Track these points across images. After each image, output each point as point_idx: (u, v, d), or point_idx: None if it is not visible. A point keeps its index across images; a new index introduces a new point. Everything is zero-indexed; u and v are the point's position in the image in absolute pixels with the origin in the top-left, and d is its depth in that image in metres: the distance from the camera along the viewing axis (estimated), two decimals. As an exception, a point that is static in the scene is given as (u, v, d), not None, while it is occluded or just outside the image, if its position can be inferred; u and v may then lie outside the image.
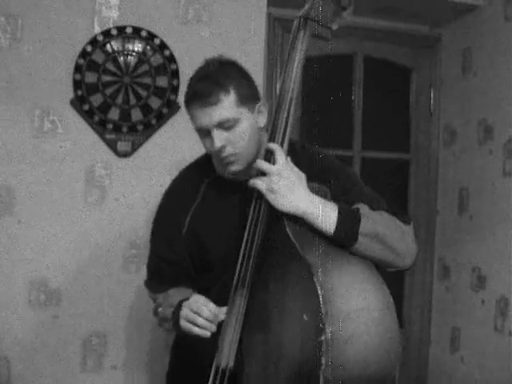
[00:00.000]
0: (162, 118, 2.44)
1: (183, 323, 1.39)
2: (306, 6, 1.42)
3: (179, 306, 1.45)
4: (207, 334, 1.36)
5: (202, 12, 2.48)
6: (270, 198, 1.32)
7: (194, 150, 1.70)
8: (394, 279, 3.14)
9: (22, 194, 2.32)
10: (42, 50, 2.32)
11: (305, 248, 1.29)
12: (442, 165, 3.04)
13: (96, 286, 2.40)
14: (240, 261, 1.37)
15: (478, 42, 2.78)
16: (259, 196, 1.36)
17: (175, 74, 2.44)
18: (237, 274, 1.37)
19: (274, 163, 1.34)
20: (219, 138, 1.42)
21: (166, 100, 2.44)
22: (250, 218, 1.38)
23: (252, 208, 1.38)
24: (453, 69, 2.95)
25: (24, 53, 2.30)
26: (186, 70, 2.44)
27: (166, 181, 1.70)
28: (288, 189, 1.32)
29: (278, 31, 2.76)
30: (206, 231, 1.56)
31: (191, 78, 1.49)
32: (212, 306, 1.37)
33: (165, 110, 2.44)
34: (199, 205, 1.58)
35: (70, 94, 2.36)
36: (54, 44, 2.33)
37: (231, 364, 1.34)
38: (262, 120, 1.51)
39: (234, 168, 1.48)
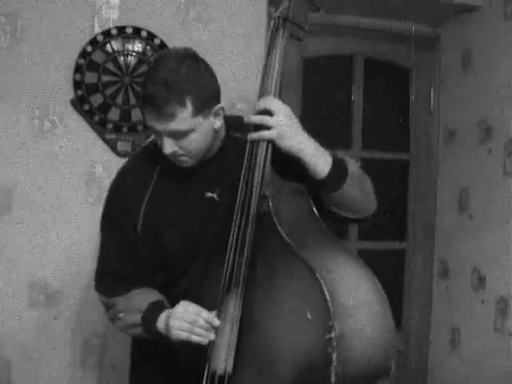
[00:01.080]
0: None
1: (178, 333, 1.33)
2: (282, 7, 1.42)
3: (151, 310, 1.41)
4: (205, 341, 1.32)
5: (202, 12, 2.48)
6: (280, 144, 1.33)
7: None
8: (394, 279, 3.14)
9: (22, 194, 2.32)
10: (42, 49, 2.32)
11: (299, 245, 1.28)
12: (441, 165, 3.04)
13: (96, 286, 2.40)
14: (229, 260, 1.34)
15: (477, 42, 2.78)
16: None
17: (175, 74, 2.44)
18: (226, 275, 1.34)
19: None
20: (170, 145, 1.40)
21: (166, 100, 2.44)
22: (238, 217, 1.35)
23: (240, 208, 1.35)
24: (453, 69, 2.95)
25: (24, 53, 2.30)
26: (186, 70, 2.45)
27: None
28: (295, 130, 1.34)
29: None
30: (162, 223, 1.50)
31: (148, 74, 1.41)
32: (205, 313, 1.32)
33: (165, 110, 2.44)
34: (152, 196, 1.51)
35: (70, 94, 2.36)
36: (54, 44, 2.33)
37: (229, 369, 1.30)
38: (219, 122, 1.45)
39: (185, 165, 1.46)
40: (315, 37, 2.64)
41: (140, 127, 2.43)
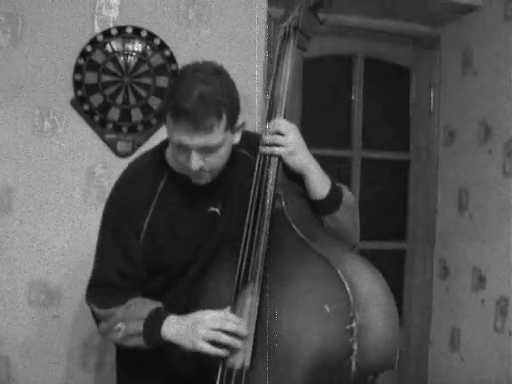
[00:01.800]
0: (161, 118, 2.44)
1: (203, 345, 1.32)
2: (292, 17, 1.48)
3: (153, 318, 1.39)
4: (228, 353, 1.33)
5: (202, 12, 2.48)
6: (289, 159, 1.41)
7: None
8: (394, 279, 3.13)
9: (22, 193, 2.32)
10: (42, 50, 2.32)
11: (313, 241, 1.33)
12: (441, 165, 3.04)
13: (96, 285, 2.40)
14: (244, 256, 1.37)
15: (478, 42, 2.78)
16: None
17: (175, 74, 2.44)
18: (241, 271, 1.36)
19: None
20: (198, 160, 1.38)
21: (166, 100, 2.44)
22: (251, 215, 1.39)
23: (254, 207, 1.40)
24: (453, 69, 2.95)
25: (24, 53, 2.30)
26: (186, 70, 2.45)
27: (166, 181, 1.69)
28: (303, 149, 1.42)
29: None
30: (165, 235, 1.49)
31: (179, 86, 1.36)
32: (234, 317, 1.33)
33: (165, 110, 2.44)
34: (157, 207, 1.50)
35: (70, 94, 2.36)
36: (54, 44, 2.33)
37: (247, 364, 1.32)
38: (238, 137, 1.46)
39: (203, 181, 1.46)
40: (315, 37, 2.64)
41: (140, 127, 2.43)
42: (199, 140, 1.34)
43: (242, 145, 1.51)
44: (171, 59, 2.44)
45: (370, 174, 2.97)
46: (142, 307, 1.43)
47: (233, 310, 1.35)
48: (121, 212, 1.51)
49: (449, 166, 2.98)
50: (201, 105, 1.32)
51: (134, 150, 2.43)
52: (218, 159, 1.41)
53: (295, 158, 1.41)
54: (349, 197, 1.49)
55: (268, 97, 1.46)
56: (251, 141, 1.52)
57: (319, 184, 1.43)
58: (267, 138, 1.42)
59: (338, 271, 1.25)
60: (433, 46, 3.05)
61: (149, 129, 2.44)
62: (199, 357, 1.36)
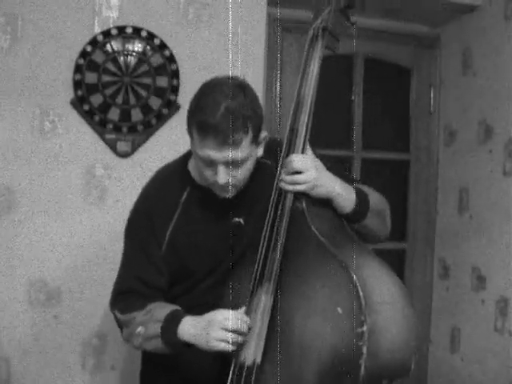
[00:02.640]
0: (162, 118, 2.44)
1: (215, 343, 1.34)
2: (321, 18, 1.48)
3: (170, 320, 1.40)
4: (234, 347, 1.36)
5: (202, 12, 2.48)
6: (312, 192, 1.40)
7: (193, 150, 1.70)
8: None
9: (22, 193, 2.32)
10: (42, 50, 2.32)
11: (332, 243, 1.34)
12: (441, 165, 3.04)
13: (96, 285, 2.40)
14: (261, 255, 1.39)
15: (478, 42, 2.78)
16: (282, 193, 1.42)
17: (175, 74, 2.44)
18: (258, 269, 1.38)
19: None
20: (226, 174, 1.40)
21: (166, 100, 2.44)
22: (272, 213, 1.41)
23: (273, 205, 1.41)
24: (453, 69, 2.95)
25: (24, 53, 2.30)
26: (186, 70, 2.45)
27: (166, 181, 1.69)
28: (323, 180, 1.41)
29: (278, 31, 2.76)
30: (187, 245, 1.52)
31: (205, 101, 1.37)
32: (246, 317, 1.36)
33: (165, 110, 2.44)
34: (180, 217, 1.52)
35: (70, 94, 2.36)
36: (54, 44, 2.33)
37: (258, 360, 1.34)
38: (261, 150, 1.49)
39: (228, 195, 1.46)
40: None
41: (140, 127, 2.43)
42: (227, 154, 1.36)
43: (266, 154, 1.52)
44: (171, 59, 2.44)
45: (370, 173, 2.97)
46: (160, 310, 1.45)
47: (248, 309, 1.37)
48: (145, 221, 1.54)
49: (449, 166, 2.98)
50: (228, 120, 1.33)
51: (134, 150, 2.43)
52: (244, 172, 1.43)
53: (317, 191, 1.41)
54: (376, 200, 1.52)
55: (295, 97, 1.46)
56: (272, 146, 1.52)
57: (344, 204, 1.44)
58: (287, 179, 1.40)
59: (353, 274, 1.26)
60: (433, 45, 3.05)
61: (149, 129, 2.44)
62: (215, 354, 1.38)
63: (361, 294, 1.24)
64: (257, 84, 2.43)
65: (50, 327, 2.36)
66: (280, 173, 1.43)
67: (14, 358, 2.33)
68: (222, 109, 1.33)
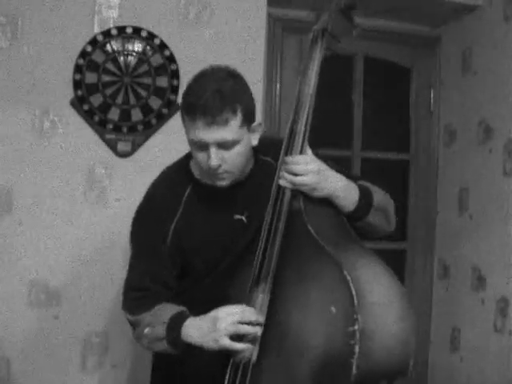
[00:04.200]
0: (162, 118, 2.44)
1: (227, 341, 1.34)
2: (323, 20, 1.49)
3: (174, 321, 1.41)
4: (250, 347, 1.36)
5: (202, 12, 2.48)
6: (313, 194, 1.40)
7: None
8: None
9: (22, 194, 2.32)
10: (42, 50, 2.32)
11: (327, 242, 1.34)
12: (441, 165, 3.04)
13: (96, 285, 2.40)
14: (259, 257, 1.39)
15: (478, 42, 2.78)
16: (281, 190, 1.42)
17: (175, 74, 2.44)
18: (256, 267, 1.39)
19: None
20: (217, 156, 1.41)
21: (166, 100, 2.44)
22: (270, 212, 1.41)
23: (272, 203, 1.41)
24: (453, 69, 2.95)
25: (24, 53, 2.31)
26: (186, 70, 2.44)
27: (166, 181, 1.69)
28: (324, 183, 1.40)
29: (278, 31, 2.76)
30: (190, 241, 1.54)
31: (195, 85, 1.43)
32: (249, 308, 1.36)
33: (165, 110, 2.44)
34: (183, 213, 1.55)
35: (70, 94, 2.36)
36: (54, 44, 2.33)
37: (254, 359, 1.35)
38: (256, 139, 1.50)
39: (224, 183, 1.48)
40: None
41: (140, 127, 2.43)
42: (216, 134, 1.39)
43: (267, 153, 1.54)
44: (171, 59, 2.44)
45: (370, 173, 2.96)
46: (166, 312, 1.45)
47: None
48: (149, 219, 1.57)
49: (449, 166, 2.98)
50: (216, 100, 1.37)
51: (134, 150, 2.43)
52: (237, 157, 1.44)
53: (317, 193, 1.41)
54: (379, 198, 1.51)
55: (295, 97, 1.47)
56: (274, 145, 1.53)
57: (346, 203, 1.44)
58: (286, 178, 1.40)
59: (345, 273, 1.26)
60: (433, 45, 3.05)
61: (149, 129, 2.44)
62: (216, 354, 1.38)
63: (353, 292, 1.23)
64: (257, 84, 2.42)
65: (50, 327, 2.36)
66: (279, 171, 1.43)
67: (14, 358, 2.33)
68: (210, 90, 1.38)
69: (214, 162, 1.41)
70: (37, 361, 2.35)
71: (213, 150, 1.41)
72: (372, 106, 2.98)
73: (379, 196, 1.52)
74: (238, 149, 1.43)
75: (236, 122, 1.40)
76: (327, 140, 2.97)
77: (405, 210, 3.09)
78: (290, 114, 1.47)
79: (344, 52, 2.93)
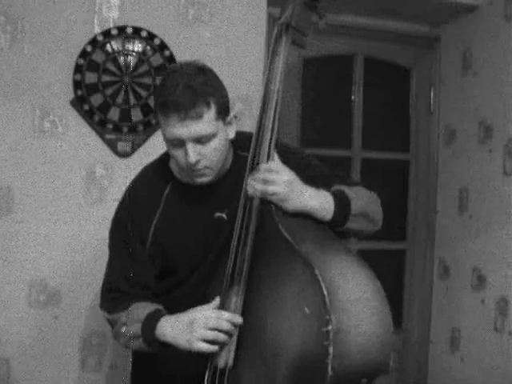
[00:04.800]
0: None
1: (200, 345, 1.33)
2: (286, 14, 1.45)
3: (149, 319, 1.41)
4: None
5: (202, 12, 2.48)
6: (283, 205, 1.35)
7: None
8: (394, 279, 3.13)
9: (22, 193, 2.32)
10: (42, 50, 2.32)
11: (299, 242, 1.30)
12: (441, 165, 3.04)
13: (96, 285, 2.38)
14: (231, 259, 1.37)
15: (478, 42, 2.78)
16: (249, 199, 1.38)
17: (175, 74, 2.44)
18: (229, 272, 1.37)
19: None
20: (195, 152, 1.40)
21: (166, 100, 2.44)
22: (240, 216, 1.39)
23: (242, 204, 1.39)
24: (453, 69, 2.95)
25: (24, 53, 2.30)
26: (186, 70, 2.45)
27: (166, 181, 1.69)
28: (296, 194, 1.35)
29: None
30: (171, 241, 1.52)
31: (166, 83, 1.41)
32: (227, 314, 1.34)
33: (165, 110, 2.44)
34: (162, 214, 1.53)
35: (70, 94, 2.36)
36: (54, 44, 2.33)
37: (230, 363, 1.34)
38: (232, 131, 1.49)
39: (205, 179, 1.47)
40: (315, 37, 2.64)
41: (140, 127, 2.43)
42: (191, 129, 1.37)
43: (245, 148, 1.51)
44: (171, 59, 2.44)
45: (370, 173, 2.97)
46: (142, 310, 1.45)
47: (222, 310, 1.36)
48: (127, 219, 1.55)
49: (449, 166, 2.98)
50: (187, 94, 1.36)
51: (134, 150, 2.43)
52: (214, 151, 1.43)
53: (289, 205, 1.35)
54: (359, 203, 1.44)
55: (261, 94, 1.45)
56: (250, 140, 1.50)
57: (321, 215, 1.39)
58: (257, 188, 1.35)
59: (316, 272, 1.22)
60: (433, 45, 3.05)
61: (149, 129, 2.44)
62: (191, 356, 1.37)
63: (325, 292, 1.20)
64: (257, 84, 2.43)
65: (50, 327, 2.36)
66: (248, 176, 1.39)
67: (14, 358, 2.33)
68: (181, 86, 1.37)
69: (191, 158, 1.39)
70: (36, 361, 2.35)
71: (189, 146, 1.39)
72: (372, 106, 2.98)
73: (360, 201, 1.45)
74: (214, 142, 1.42)
75: (210, 115, 1.39)
76: (327, 140, 2.98)
77: (405, 210, 3.09)
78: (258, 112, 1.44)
79: (341, 51, 2.93)
